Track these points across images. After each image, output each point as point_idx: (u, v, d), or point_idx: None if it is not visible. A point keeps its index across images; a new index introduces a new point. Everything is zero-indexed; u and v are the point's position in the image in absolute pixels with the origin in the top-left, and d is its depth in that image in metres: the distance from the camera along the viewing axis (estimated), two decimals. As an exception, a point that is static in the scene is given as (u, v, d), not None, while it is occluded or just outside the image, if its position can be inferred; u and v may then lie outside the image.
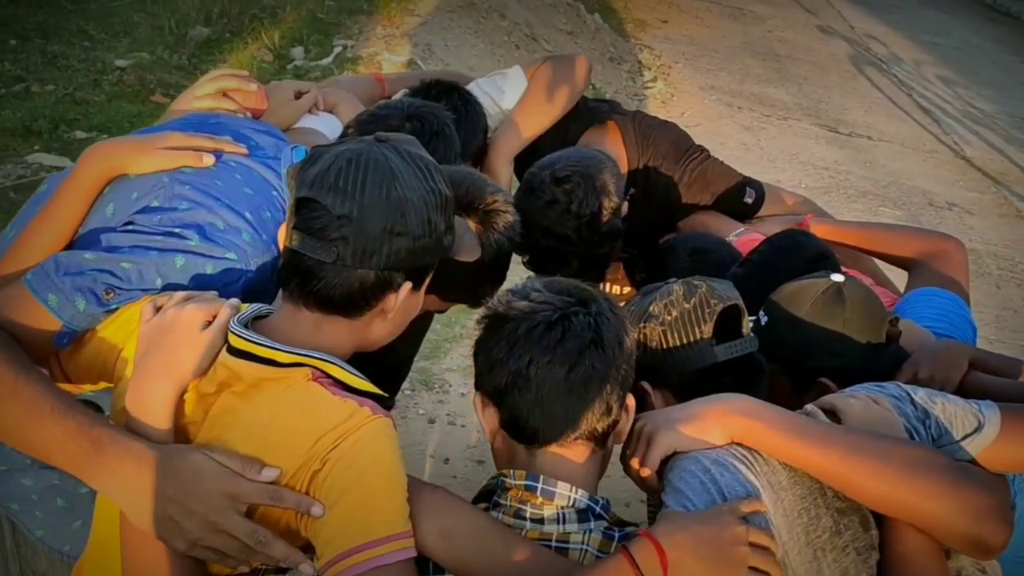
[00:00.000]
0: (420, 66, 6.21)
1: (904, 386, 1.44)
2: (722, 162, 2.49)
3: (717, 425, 1.28)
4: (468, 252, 1.50)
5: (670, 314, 1.49)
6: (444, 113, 1.98)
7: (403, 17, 6.68)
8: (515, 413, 1.23)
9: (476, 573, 1.15)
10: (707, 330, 1.47)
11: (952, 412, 1.39)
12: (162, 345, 1.24)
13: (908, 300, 1.99)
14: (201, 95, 1.72)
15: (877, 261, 2.35)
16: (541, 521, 1.21)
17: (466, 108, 2.21)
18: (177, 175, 1.45)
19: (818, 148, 7.46)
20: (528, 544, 1.16)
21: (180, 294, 1.31)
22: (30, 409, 1.18)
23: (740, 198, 2.43)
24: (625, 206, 2.21)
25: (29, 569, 1.66)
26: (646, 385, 1.52)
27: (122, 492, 1.15)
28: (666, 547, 1.12)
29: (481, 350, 1.28)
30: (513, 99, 2.40)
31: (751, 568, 1.13)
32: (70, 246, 1.45)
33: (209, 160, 1.47)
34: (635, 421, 1.35)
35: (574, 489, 1.22)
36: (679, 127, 2.54)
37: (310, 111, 2.11)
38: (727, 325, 1.50)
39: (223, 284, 1.41)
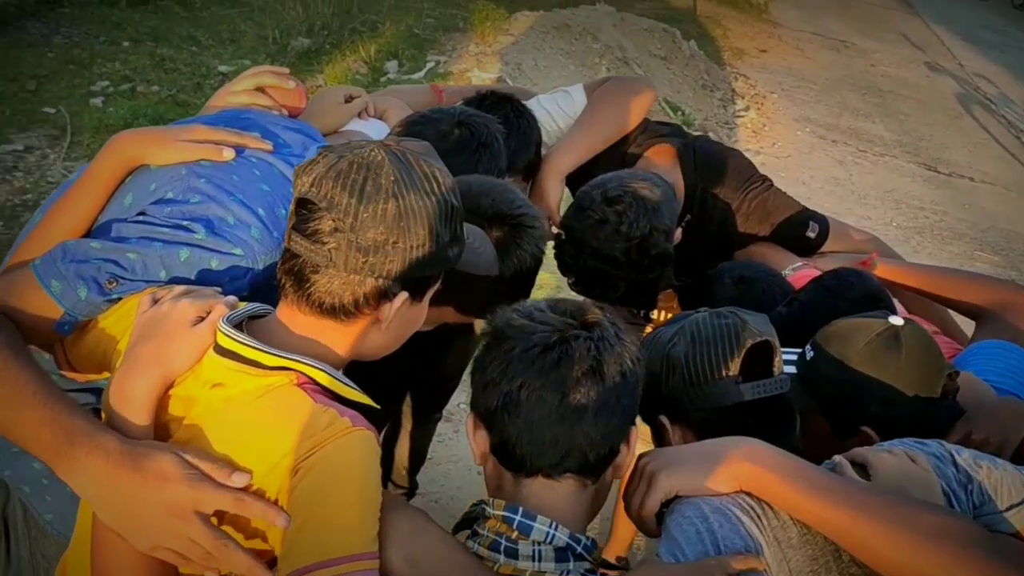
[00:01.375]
0: (507, 83, 6.18)
1: (948, 445, 1.29)
2: (785, 193, 2.35)
3: (725, 470, 1.16)
4: (485, 266, 1.42)
5: (695, 346, 1.38)
6: (495, 126, 1.91)
7: (496, 36, 6.68)
8: (504, 438, 1.14)
9: None
10: (734, 366, 1.35)
11: (999, 478, 1.24)
12: (151, 338, 1.19)
13: (972, 352, 1.82)
14: (238, 90, 1.69)
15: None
16: (516, 556, 1.11)
17: (519, 121, 2.14)
18: (195, 168, 1.41)
19: (914, 187, 7.13)
20: None
21: (179, 288, 1.27)
22: (12, 393, 1.15)
23: (802, 232, 2.28)
24: (679, 232, 2.09)
25: (39, 552, 1.64)
26: (664, 420, 1.41)
27: (89, 486, 1.11)
28: None
29: (477, 368, 1.20)
30: (571, 117, 2.31)
31: None
32: (89, 234, 1.42)
33: (228, 154, 1.43)
34: (641, 458, 1.24)
35: (554, 525, 1.12)
36: (743, 155, 2.41)
37: (360, 116, 2.07)
38: (756, 362, 1.38)
39: (229, 279, 1.36)
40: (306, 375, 1.18)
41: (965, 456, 1.26)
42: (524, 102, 2.31)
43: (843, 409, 1.50)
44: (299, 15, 6.98)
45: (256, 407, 1.15)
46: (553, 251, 2.10)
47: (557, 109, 2.33)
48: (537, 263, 1.57)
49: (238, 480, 1.10)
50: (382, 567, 1.08)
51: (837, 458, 1.27)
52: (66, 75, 5.87)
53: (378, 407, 1.28)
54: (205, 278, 1.34)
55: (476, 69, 6.29)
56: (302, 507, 1.09)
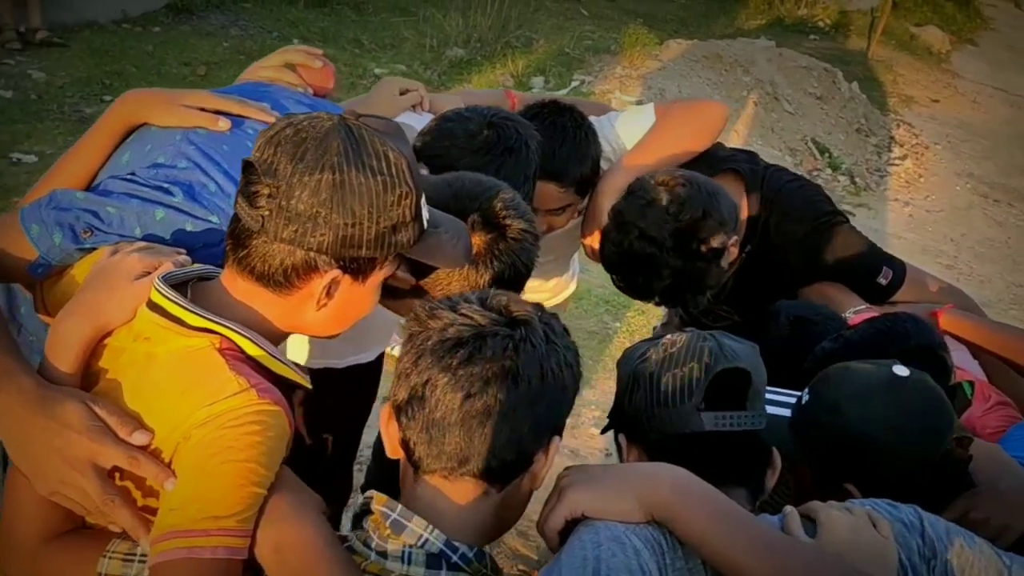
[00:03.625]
0: (648, 108, 6.06)
1: (922, 513, 1.12)
2: (860, 234, 2.14)
3: (638, 496, 1.04)
4: (452, 260, 1.34)
5: (664, 364, 1.25)
6: (531, 133, 1.82)
7: (644, 61, 6.58)
8: (406, 433, 1.06)
9: None
10: (698, 392, 1.21)
11: (970, 559, 1.06)
12: (94, 287, 1.19)
13: (1020, 428, 1.58)
14: (267, 65, 1.69)
15: None
16: (386, 555, 1.02)
17: (576, 131, 2.04)
18: (190, 134, 1.41)
19: (1078, 259, 6.47)
20: None
21: (140, 243, 1.27)
22: None
23: (873, 276, 2.06)
24: (734, 250, 1.95)
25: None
26: (622, 439, 1.29)
27: (1, 424, 1.11)
28: None
29: (399, 359, 1.12)
30: (637, 136, 2.19)
31: None
32: (89, 187, 1.45)
33: (224, 124, 1.42)
34: (565, 471, 1.13)
35: (430, 528, 1.02)
36: (820, 190, 2.21)
37: (413, 109, 2.04)
38: (727, 392, 1.23)
39: (203, 244, 1.35)
40: (231, 341, 1.14)
41: (940, 529, 1.09)
42: (597, 117, 2.22)
43: (828, 461, 1.33)
44: (458, 27, 7.13)
45: (173, 367, 1.12)
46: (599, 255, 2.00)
47: (623, 126, 2.21)
48: (518, 275, 1.48)
49: (138, 439, 1.08)
50: (253, 548, 1.02)
51: (788, 509, 1.13)
52: (235, 64, 6.20)
53: (308, 384, 1.24)
54: (179, 240, 1.33)
55: (618, 91, 6.21)
56: (182, 473, 1.05)
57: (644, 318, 4.37)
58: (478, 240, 1.43)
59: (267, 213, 1.10)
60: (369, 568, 1.02)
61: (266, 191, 1.10)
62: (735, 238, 1.93)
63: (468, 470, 1.03)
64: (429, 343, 1.05)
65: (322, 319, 1.21)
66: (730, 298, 2.17)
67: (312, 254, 1.12)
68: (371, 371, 2.28)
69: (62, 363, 1.15)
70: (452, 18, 7.20)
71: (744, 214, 2.06)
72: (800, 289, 2.10)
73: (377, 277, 1.21)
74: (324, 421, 2.15)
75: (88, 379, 1.17)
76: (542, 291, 2.62)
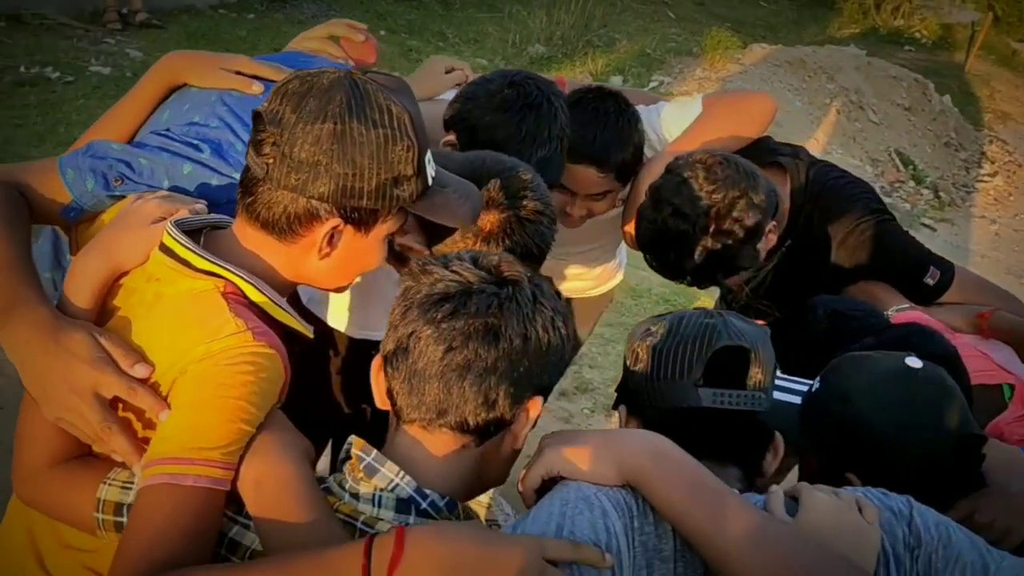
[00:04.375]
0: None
1: (915, 504, 1.08)
2: (908, 234, 2.07)
3: (613, 460, 1.03)
4: (460, 219, 1.34)
5: (668, 339, 1.24)
6: (555, 91, 1.80)
7: (725, 64, 6.48)
8: (391, 383, 1.08)
9: (262, 530, 1.01)
10: (698, 368, 1.20)
11: (957, 553, 1.02)
12: (114, 228, 1.24)
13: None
14: (312, 36, 1.74)
15: None
16: (358, 497, 1.04)
17: (618, 118, 2.02)
18: (225, 95, 1.46)
19: None
20: (319, 520, 0.99)
21: (163, 192, 1.32)
22: None
23: (919, 276, 1.98)
24: (772, 237, 1.91)
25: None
26: (623, 410, 1.28)
27: (15, 349, 1.16)
28: (408, 546, 0.90)
29: (391, 311, 1.14)
30: (682, 126, 2.16)
31: None
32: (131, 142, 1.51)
33: (257, 88, 1.46)
34: (546, 436, 1.13)
35: (401, 475, 1.03)
36: (867, 187, 2.13)
37: (458, 87, 2.06)
38: (728, 370, 1.21)
39: (226, 200, 1.38)
40: (235, 285, 1.17)
41: (929, 520, 1.05)
42: (645, 107, 2.20)
43: (833, 450, 1.29)
44: (541, 23, 7.15)
45: (178, 306, 1.16)
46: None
47: (669, 116, 2.19)
48: (530, 255, 1.48)
49: (139, 371, 1.12)
50: (236, 481, 1.05)
51: (773, 488, 1.10)
52: (321, 53, 6.35)
53: (310, 335, 1.26)
54: (203, 194, 1.38)
55: (696, 93, 6.12)
56: (176, 405, 1.09)
57: (702, 319, 4.30)
58: (492, 218, 1.44)
59: (271, 161, 1.13)
60: (341, 509, 1.03)
61: (271, 140, 1.13)
62: (773, 223, 1.89)
63: (446, 422, 1.04)
64: (418, 297, 1.06)
65: (326, 269, 1.23)
66: (770, 293, 2.13)
67: (314, 202, 1.14)
68: None
69: (78, 298, 1.20)
70: (536, 15, 7.23)
71: (786, 209, 2.02)
72: (845, 287, 2.04)
73: (380, 230, 1.22)
74: (363, 391, 2.19)
75: (103, 316, 1.22)
76: (586, 278, 2.62)
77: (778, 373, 1.61)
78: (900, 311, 1.80)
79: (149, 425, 1.15)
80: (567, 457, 1.05)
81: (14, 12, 5.89)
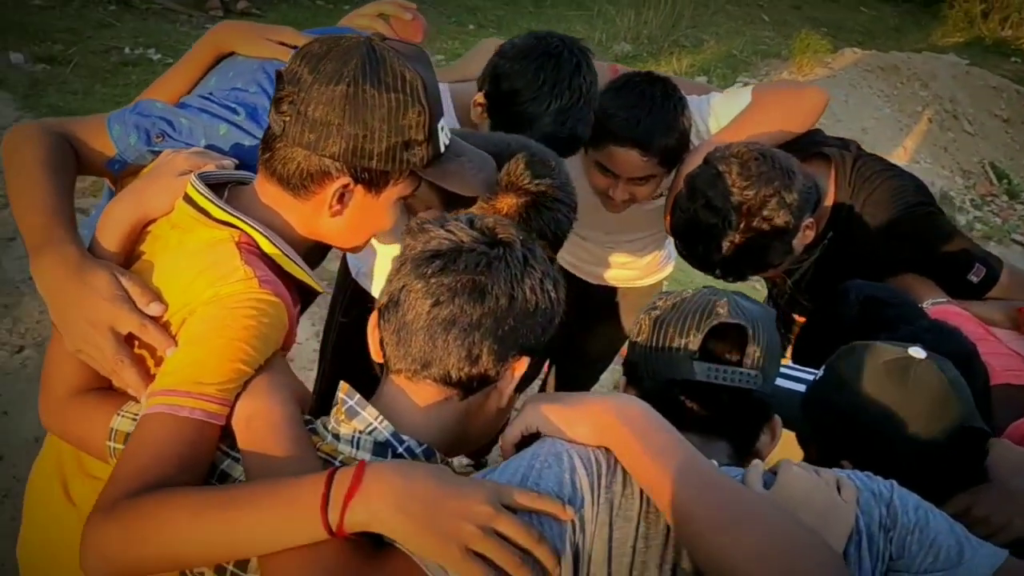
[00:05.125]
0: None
1: (897, 488, 1.06)
2: (955, 230, 2.00)
3: (589, 420, 1.04)
4: (470, 187, 1.37)
5: (670, 312, 1.24)
6: (580, 47, 1.84)
7: (813, 67, 6.32)
8: (383, 335, 1.11)
9: (247, 464, 1.05)
10: (695, 341, 1.20)
11: (933, 537, 1.00)
12: (144, 180, 1.31)
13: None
14: (363, 13, 1.79)
15: None
16: (339, 438, 1.08)
17: (664, 102, 2.02)
18: (266, 64, 1.53)
19: None
20: (300, 456, 1.02)
21: (196, 148, 1.38)
22: (32, 197, 1.31)
23: (963, 272, 1.92)
24: (810, 233, 1.88)
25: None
26: (622, 381, 1.29)
27: (43, 283, 1.24)
28: (367, 478, 0.93)
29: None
30: (731, 116, 2.14)
31: (490, 564, 0.91)
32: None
33: None
34: (535, 395, 1.15)
35: (380, 419, 1.06)
36: (915, 180, 2.07)
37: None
38: (723, 346, 1.21)
39: (256, 161, 1.45)
40: (250, 237, 1.23)
41: (909, 503, 1.03)
42: (697, 96, 2.19)
43: (830, 436, 1.26)
44: (629, 23, 7.11)
45: (195, 253, 1.22)
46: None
47: (722, 107, 2.17)
48: (544, 239, 1.49)
49: (153, 309, 1.18)
50: (231, 419, 1.10)
51: (755, 461, 1.10)
52: (410, 44, 6.46)
53: (320, 289, 1.31)
54: (236, 154, 1.44)
55: (780, 96, 5.99)
56: (181, 342, 1.14)
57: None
58: (510, 201, 1.47)
59: (288, 119, 1.18)
60: (323, 448, 1.07)
61: (288, 98, 1.18)
62: (810, 220, 1.86)
63: (430, 374, 1.07)
64: (412, 254, 1.10)
65: (338, 228, 1.28)
66: (811, 286, 2.09)
67: (326, 160, 1.19)
68: None
69: (107, 241, 1.27)
70: (624, 14, 7.19)
71: (830, 200, 1.98)
72: (885, 280, 1.99)
73: (392, 193, 1.26)
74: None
75: (131, 260, 1.30)
76: (634, 267, 2.61)
77: (789, 363, 1.60)
78: (935, 304, 1.75)
79: (161, 362, 1.21)
80: (546, 415, 1.06)
81: (125, -2, 6.20)
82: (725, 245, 1.80)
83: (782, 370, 1.49)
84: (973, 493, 1.23)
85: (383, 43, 1.23)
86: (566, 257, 2.68)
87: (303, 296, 1.34)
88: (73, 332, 1.20)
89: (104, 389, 1.27)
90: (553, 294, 1.12)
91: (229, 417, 1.11)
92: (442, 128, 1.26)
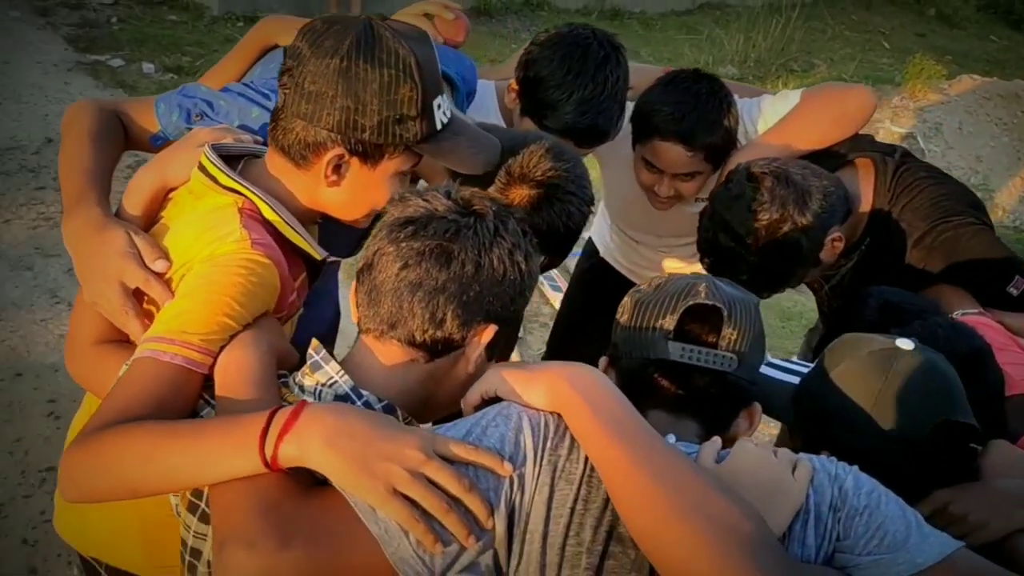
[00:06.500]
0: (918, 142, 5.60)
1: (856, 473, 1.03)
2: (998, 241, 1.88)
3: (544, 385, 1.04)
4: (468, 165, 1.39)
5: (651, 293, 1.24)
6: (612, 40, 1.88)
7: (927, 93, 6.06)
8: (358, 296, 1.15)
9: (218, 409, 1.10)
10: (670, 321, 1.19)
11: (881, 520, 0.97)
12: (169, 150, 1.41)
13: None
14: (407, 12, 1.86)
15: None
16: (303, 389, 1.12)
17: (708, 99, 2.00)
18: None
19: None
20: (264, 403, 1.05)
21: (221, 124, 1.47)
22: (77, 163, 1.43)
23: (1001, 284, 1.81)
24: (839, 245, 1.82)
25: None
26: (603, 360, 1.29)
27: (70, 239, 1.35)
28: (303, 417, 0.96)
29: None
30: (778, 117, 2.10)
31: (417, 507, 0.94)
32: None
33: None
34: (500, 364, 1.17)
35: (341, 373, 1.10)
36: (960, 188, 1.96)
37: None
38: (700, 328, 1.19)
39: None
40: (252, 203, 1.30)
41: (864, 486, 1.01)
42: (748, 99, 2.16)
43: (810, 426, 1.23)
44: (737, 46, 7.02)
45: (202, 216, 1.29)
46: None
47: (771, 108, 2.13)
48: (555, 235, 1.51)
49: (158, 266, 1.26)
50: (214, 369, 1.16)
51: (715, 437, 1.09)
52: (515, 64, 6.59)
53: (318, 256, 1.36)
54: (265, 135, 1.53)
55: (888, 121, 5.79)
56: (176, 296, 1.22)
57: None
58: (522, 192, 1.49)
59: (288, 91, 1.25)
60: (288, 399, 1.12)
61: (289, 71, 1.25)
62: (836, 232, 1.80)
63: (396, 334, 1.10)
64: (389, 220, 1.14)
65: (338, 199, 1.33)
66: (848, 292, 2.02)
67: (321, 131, 1.24)
68: None
69: (130, 206, 1.37)
70: (733, 38, 7.10)
71: (867, 206, 1.92)
72: (921, 290, 1.91)
73: (388, 167, 1.30)
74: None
75: (153, 224, 1.39)
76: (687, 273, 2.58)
77: (794, 358, 1.55)
78: (965, 315, 1.66)
79: None
80: (505, 379, 1.08)
81: (251, 14, 6.56)
82: (743, 268, 1.78)
83: (784, 364, 1.46)
84: (955, 490, 1.16)
85: (382, 22, 1.28)
86: (622, 262, 2.68)
87: (311, 265, 1.40)
88: (90, 284, 1.30)
89: (122, 341, 1.36)
90: (523, 265, 1.13)
91: (213, 367, 1.17)
92: (438, 106, 1.30)
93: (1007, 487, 1.16)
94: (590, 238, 2.81)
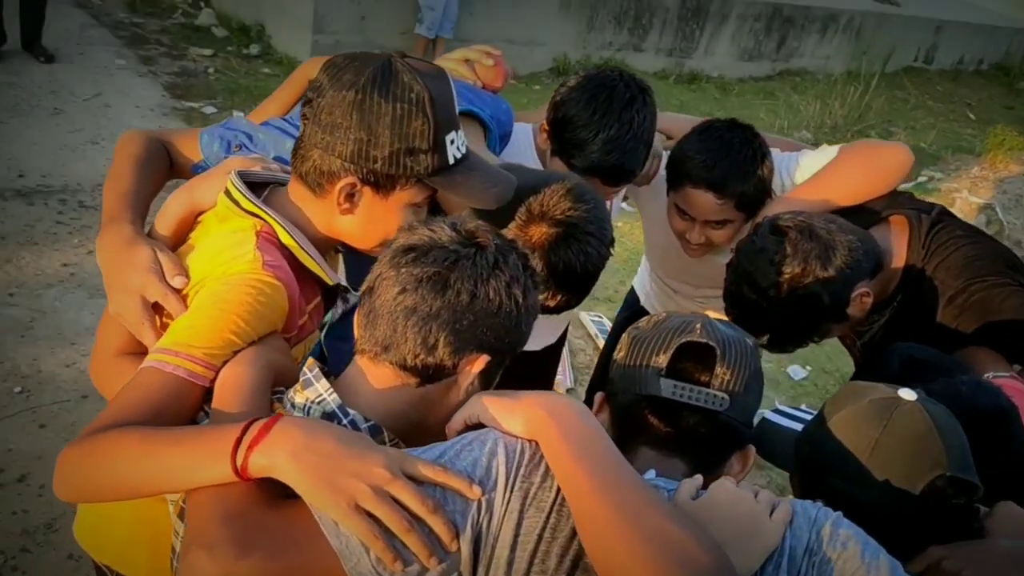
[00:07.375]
0: (997, 213, 5.42)
1: (837, 519, 1.00)
2: None
3: (523, 413, 1.04)
4: (482, 200, 1.42)
5: (649, 330, 1.24)
6: (640, 84, 1.88)
7: (1008, 164, 5.88)
8: (359, 318, 1.18)
9: (212, 420, 1.13)
10: (663, 358, 1.18)
11: (855, 568, 0.94)
12: (200, 177, 1.48)
13: None
14: (449, 57, 1.92)
15: None
16: (294, 406, 1.14)
17: (742, 148, 1.98)
18: None
19: None
20: (252, 414, 1.09)
21: (256, 154, 1.54)
22: (115, 185, 1.51)
23: None
24: (867, 300, 1.78)
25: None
26: (598, 396, 1.29)
27: (101, 255, 1.41)
28: (275, 429, 0.98)
29: None
30: (813, 171, 2.07)
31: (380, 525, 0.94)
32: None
33: None
34: (486, 391, 1.17)
35: (329, 391, 1.11)
36: (997, 248, 1.88)
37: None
38: (693, 366, 1.18)
39: None
40: (271, 227, 1.35)
41: (841, 532, 0.97)
42: (786, 153, 2.15)
43: (808, 474, 1.19)
44: (813, 112, 6.96)
45: (222, 238, 1.35)
46: None
47: (807, 161, 2.10)
48: (572, 275, 1.53)
49: (177, 282, 1.32)
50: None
51: (696, 476, 1.07)
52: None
53: (330, 281, 1.40)
54: None
55: (967, 191, 5.63)
56: (188, 309, 1.27)
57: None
58: (541, 230, 1.50)
59: (307, 121, 1.31)
60: (280, 413, 1.15)
61: (310, 103, 1.31)
62: (864, 288, 1.76)
63: (388, 357, 1.12)
64: (394, 247, 1.17)
65: (350, 227, 1.37)
66: (879, 349, 1.96)
67: (336, 160, 1.29)
68: (545, 359, 2.43)
69: (161, 226, 1.44)
70: (810, 104, 7.05)
71: (900, 263, 1.87)
72: (955, 351, 1.84)
73: (400, 198, 1.34)
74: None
75: (181, 244, 1.45)
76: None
77: (803, 406, 1.51)
78: (998, 376, 1.59)
79: None
80: (487, 406, 1.09)
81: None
82: (766, 320, 1.75)
83: (792, 412, 1.42)
84: (952, 547, 1.11)
85: (402, 60, 1.33)
86: (659, 311, 2.66)
87: (327, 291, 1.44)
88: (114, 297, 1.36)
89: (144, 354, 1.41)
90: (520, 299, 1.14)
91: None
92: (451, 141, 1.34)
93: (1007, 547, 1.10)
94: (632, 288, 2.80)
